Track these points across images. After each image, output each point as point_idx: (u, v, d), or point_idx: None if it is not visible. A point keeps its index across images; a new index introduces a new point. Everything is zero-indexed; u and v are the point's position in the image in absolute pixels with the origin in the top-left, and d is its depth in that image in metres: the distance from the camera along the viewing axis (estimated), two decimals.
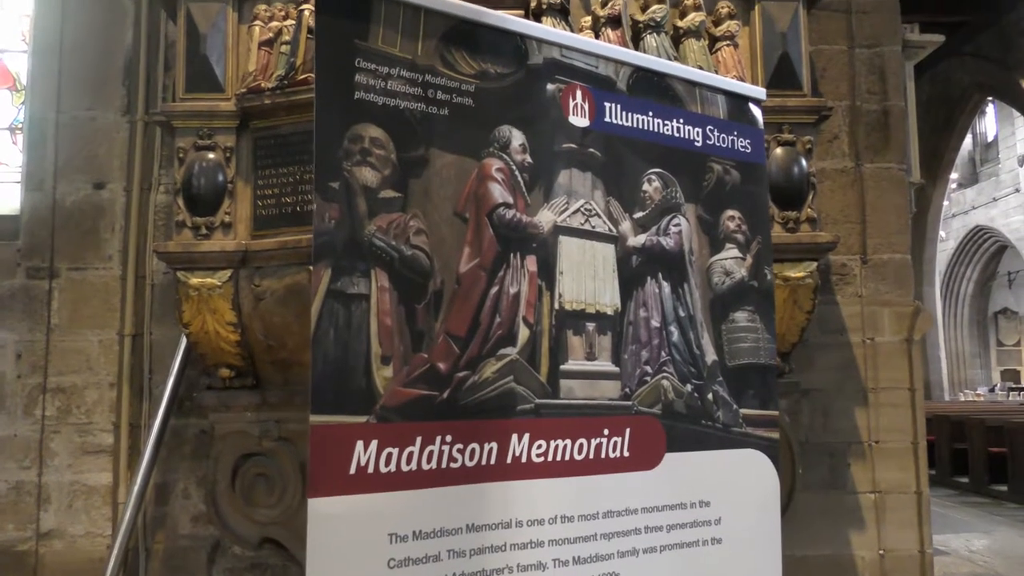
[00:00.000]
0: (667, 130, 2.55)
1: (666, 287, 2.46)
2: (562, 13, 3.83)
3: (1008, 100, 18.16)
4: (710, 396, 2.51)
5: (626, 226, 2.41)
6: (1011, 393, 22.25)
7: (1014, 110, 20.17)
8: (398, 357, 1.95)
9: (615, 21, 3.91)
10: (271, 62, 4.05)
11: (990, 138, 26.82)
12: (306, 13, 3.96)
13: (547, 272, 2.21)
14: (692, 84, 2.64)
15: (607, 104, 2.40)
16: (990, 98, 19.65)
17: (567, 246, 2.26)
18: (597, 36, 3.93)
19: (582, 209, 2.31)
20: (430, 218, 2.03)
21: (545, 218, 2.23)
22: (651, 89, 2.53)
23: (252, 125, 4.11)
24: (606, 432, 2.30)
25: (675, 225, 2.52)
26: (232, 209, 4.09)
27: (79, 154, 5.16)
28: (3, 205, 5.39)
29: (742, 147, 2.76)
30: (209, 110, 4.09)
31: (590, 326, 2.28)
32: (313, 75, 3.88)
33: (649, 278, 2.45)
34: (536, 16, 3.85)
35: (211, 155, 4.10)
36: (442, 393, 2.04)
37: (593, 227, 2.33)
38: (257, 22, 4.09)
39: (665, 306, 2.45)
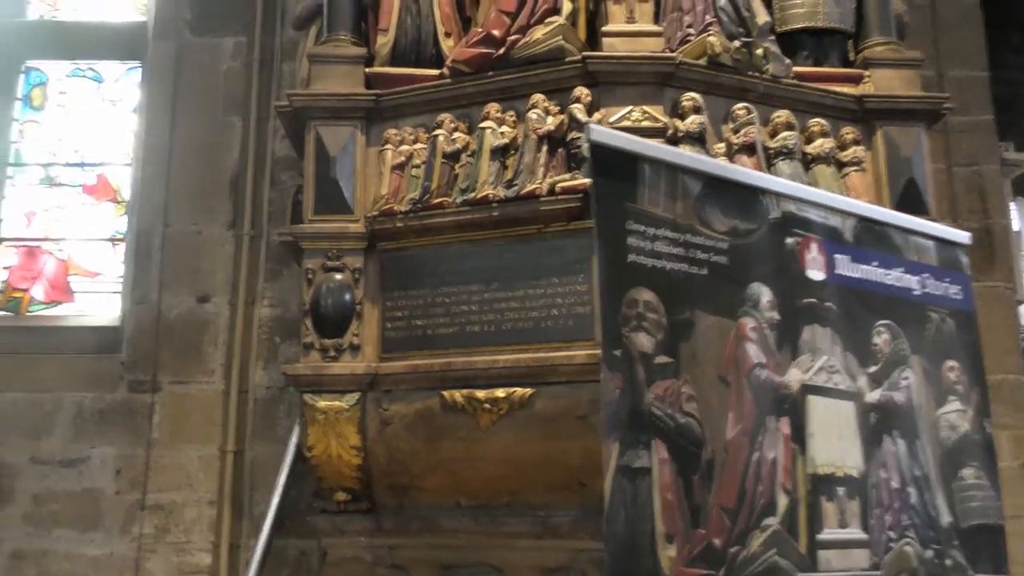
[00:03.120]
0: (889, 280, 2.53)
1: (902, 445, 2.39)
2: (699, 141, 3.86)
3: None
4: (948, 561, 2.41)
5: (863, 382, 2.37)
6: None
7: None
8: (680, 535, 1.87)
9: (750, 148, 3.93)
10: (402, 185, 4.08)
11: None
12: (440, 138, 4.01)
13: (799, 434, 2.15)
14: (907, 232, 2.63)
15: (837, 256, 2.39)
16: None
17: (815, 406, 2.21)
18: (731, 162, 3.95)
19: (825, 366, 2.27)
20: (698, 383, 1.99)
21: (794, 377, 2.19)
22: (872, 238, 2.52)
23: (380, 247, 4.12)
24: None
25: (904, 379, 2.47)
26: (360, 331, 4.06)
27: (184, 267, 5.17)
28: (104, 316, 5.36)
29: (954, 294, 2.74)
30: (338, 232, 4.10)
31: (840, 490, 2.21)
32: (449, 200, 3.96)
33: (886, 436, 2.38)
34: (673, 143, 3.87)
35: (339, 276, 4.09)
36: (719, 572, 1.95)
37: (835, 384, 2.29)
38: (388, 146, 4.13)
39: (902, 465, 2.38)
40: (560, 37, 3.92)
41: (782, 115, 4.06)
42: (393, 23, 4.24)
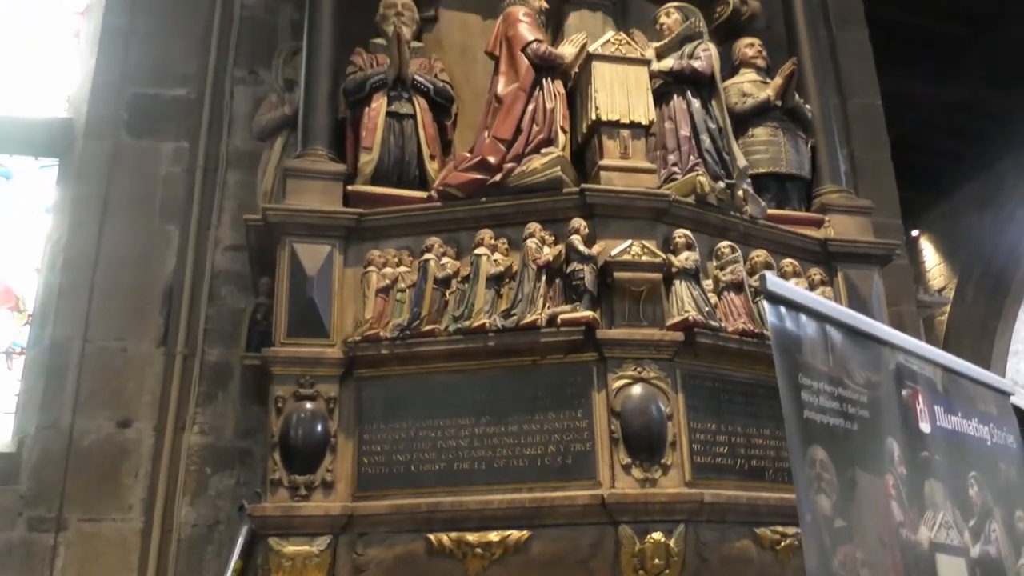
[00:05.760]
0: (969, 430, 2.55)
1: None
2: (694, 277, 3.89)
3: None
4: None
5: (967, 536, 2.33)
6: None
7: None
8: None
9: (738, 286, 4.00)
10: (386, 310, 3.86)
11: None
12: (431, 263, 3.84)
13: None
14: (975, 382, 2.68)
15: (936, 407, 2.38)
16: None
17: (942, 566, 2.14)
18: (719, 299, 4.00)
19: (943, 522, 2.21)
20: (867, 546, 1.88)
21: (923, 535, 2.12)
22: (954, 388, 2.54)
23: (358, 374, 3.84)
24: None
25: (993, 531, 2.46)
26: (333, 466, 3.72)
27: (104, 388, 4.64)
28: None
29: (1012, 443, 2.79)
30: (314, 357, 3.80)
31: None
32: (439, 327, 3.76)
33: None
34: (667, 281, 3.88)
35: (311, 405, 3.77)
36: None
37: (951, 541, 2.23)
38: (372, 268, 3.91)
39: None
40: (558, 168, 3.91)
41: (760, 254, 4.18)
42: (377, 141, 4.10)
